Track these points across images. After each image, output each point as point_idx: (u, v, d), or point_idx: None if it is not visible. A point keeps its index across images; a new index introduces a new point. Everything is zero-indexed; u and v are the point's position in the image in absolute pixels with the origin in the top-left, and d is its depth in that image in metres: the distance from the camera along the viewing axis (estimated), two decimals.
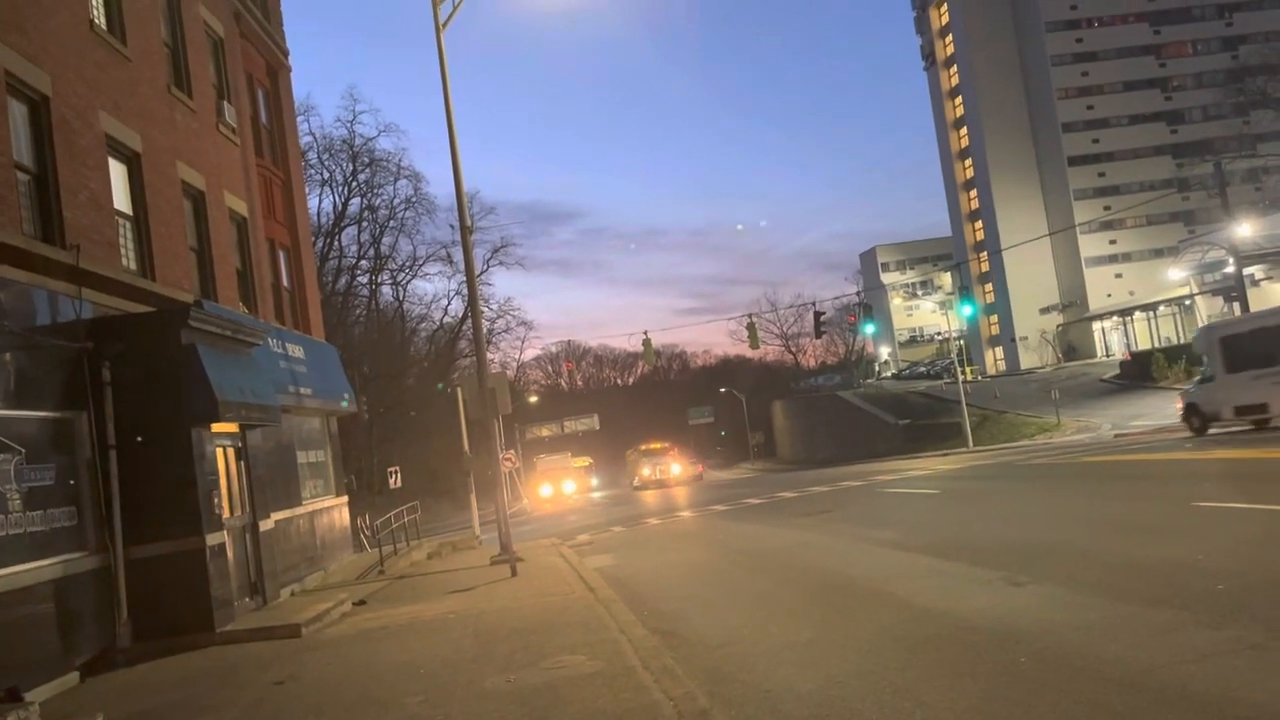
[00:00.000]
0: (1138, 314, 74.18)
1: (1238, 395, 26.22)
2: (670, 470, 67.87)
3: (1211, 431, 27.37)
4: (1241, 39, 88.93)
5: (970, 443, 47.93)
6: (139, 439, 11.97)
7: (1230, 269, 39.95)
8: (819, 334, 49.42)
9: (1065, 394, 51.91)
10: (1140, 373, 55.49)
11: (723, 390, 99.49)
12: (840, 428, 73.34)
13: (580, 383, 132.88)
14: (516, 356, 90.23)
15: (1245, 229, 42.08)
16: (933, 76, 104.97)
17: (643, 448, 74.59)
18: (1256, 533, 10.23)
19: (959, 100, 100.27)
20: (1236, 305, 37.80)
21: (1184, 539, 10.45)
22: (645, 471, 68.87)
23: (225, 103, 17.94)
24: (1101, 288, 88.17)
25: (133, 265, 13.66)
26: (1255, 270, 50.09)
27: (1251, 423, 26.32)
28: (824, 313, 47.83)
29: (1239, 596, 7.37)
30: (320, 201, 57.95)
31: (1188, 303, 62.03)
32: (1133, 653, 6.30)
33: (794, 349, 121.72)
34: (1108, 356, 76.50)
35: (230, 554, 13.42)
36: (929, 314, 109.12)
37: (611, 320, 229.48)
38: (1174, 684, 5.52)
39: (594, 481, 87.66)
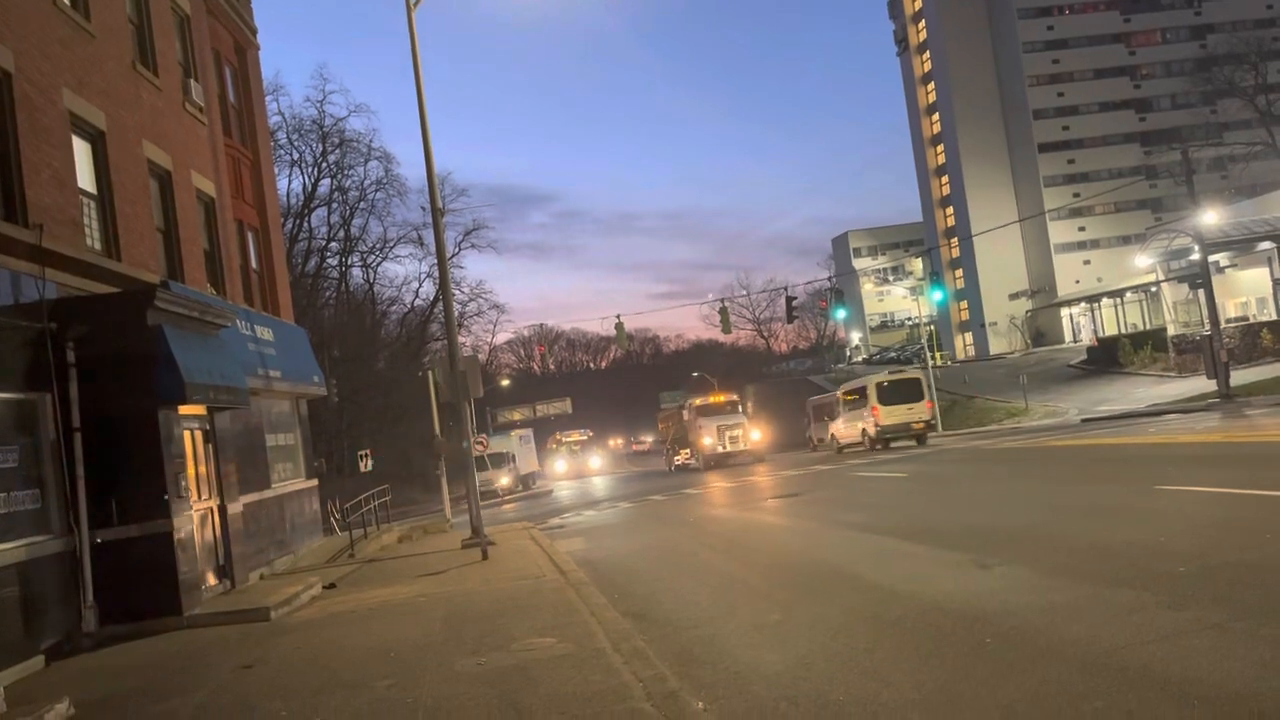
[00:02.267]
0: (1105, 300, 74.96)
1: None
2: (749, 436, 44.91)
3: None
4: (1210, 28, 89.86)
5: (939, 427, 48.32)
6: (105, 421, 11.83)
7: (1196, 256, 40.41)
8: (791, 319, 49.58)
9: (1033, 379, 52.50)
10: (1107, 358, 56.19)
11: (695, 374, 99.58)
12: None
13: (553, 366, 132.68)
14: (489, 340, 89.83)
15: (1211, 217, 42.50)
16: (905, 62, 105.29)
17: (697, 402, 48.89)
18: (1217, 515, 10.39)
19: (931, 86, 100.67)
20: (1201, 292, 38.26)
21: (1147, 522, 10.60)
22: (706, 440, 44.19)
23: (192, 81, 17.69)
24: (1070, 274, 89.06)
25: (97, 245, 13.47)
26: (1220, 258, 50.66)
27: None
28: (796, 297, 48.07)
29: (1200, 578, 7.49)
30: (289, 182, 57.47)
31: (1154, 289, 62.72)
32: (1096, 634, 6.39)
33: (766, 334, 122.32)
34: (1075, 342, 77.33)
35: (198, 537, 13.33)
36: (900, 299, 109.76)
37: (584, 304, 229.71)
38: (1136, 664, 5.61)
39: (594, 461, 74.18)
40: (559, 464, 65.00)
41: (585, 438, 78.32)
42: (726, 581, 11.14)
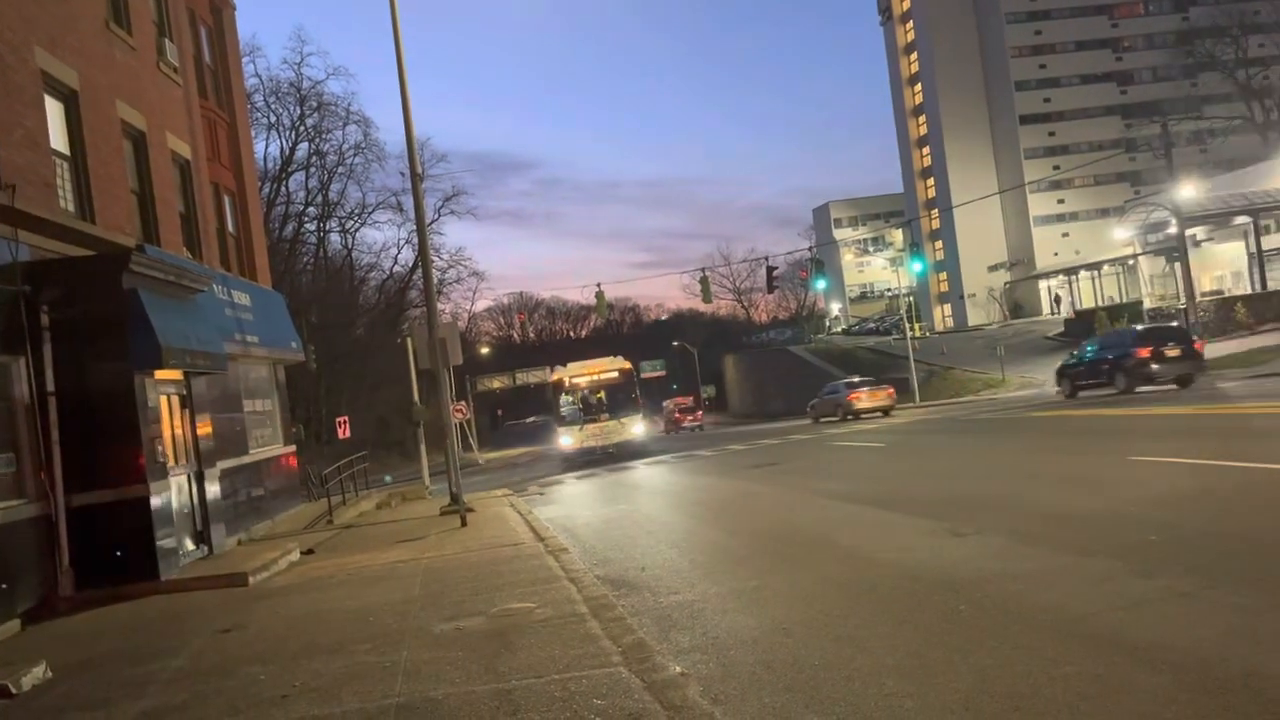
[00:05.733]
0: (1083, 273, 75.40)
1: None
2: None
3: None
4: (1192, 0, 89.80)
5: (917, 398, 48.65)
6: (80, 385, 11.74)
7: (1173, 230, 40.68)
8: (771, 289, 49.60)
9: (1010, 351, 52.76)
10: (1084, 331, 56.56)
11: (675, 344, 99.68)
12: (790, 382, 73.96)
13: (533, 335, 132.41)
14: (468, 307, 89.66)
15: (1189, 190, 42.82)
16: (889, 31, 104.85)
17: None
18: (1189, 486, 10.53)
19: (914, 56, 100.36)
20: (1178, 265, 38.55)
21: (1120, 491, 10.73)
22: None
23: (167, 40, 17.40)
24: (1049, 246, 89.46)
25: (71, 207, 13.29)
26: (1197, 231, 51.04)
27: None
28: (776, 268, 47.98)
29: (1171, 547, 7.60)
30: (267, 146, 56.83)
31: (1131, 263, 63.14)
32: (1068, 601, 6.48)
33: (746, 303, 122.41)
34: (1053, 314, 77.84)
35: (175, 502, 13.27)
36: (880, 270, 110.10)
37: (565, 272, 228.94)
38: (1106, 631, 5.69)
39: (637, 429, 34.94)
40: (564, 438, 34.70)
41: (618, 374, 35.92)
42: (705, 548, 11.21)
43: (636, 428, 33.61)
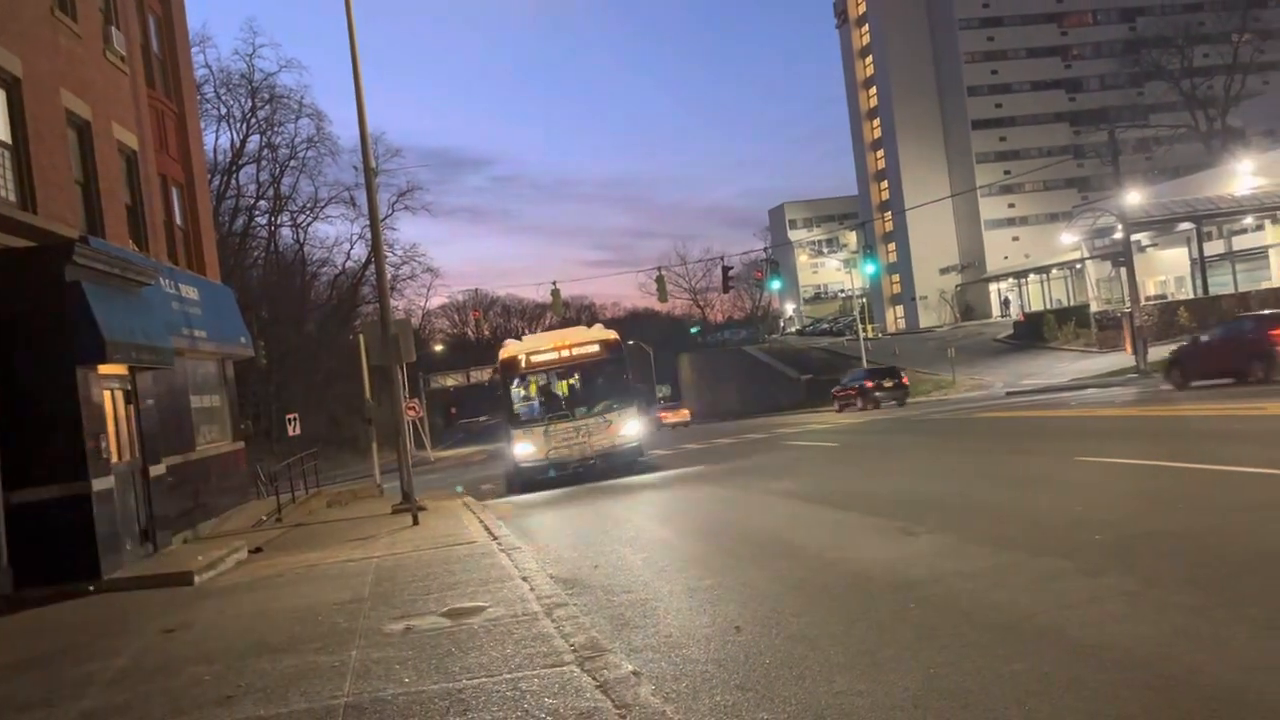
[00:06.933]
0: (1032, 276, 76.62)
1: None
2: None
3: None
4: (1140, 10, 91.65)
5: None
6: (21, 379, 11.45)
7: (1119, 235, 41.46)
8: (727, 289, 49.92)
9: (961, 353, 53.44)
10: (1032, 333, 57.55)
11: (631, 342, 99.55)
12: (745, 382, 74.38)
13: (487, 332, 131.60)
14: (422, 304, 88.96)
15: (1135, 197, 43.71)
16: (845, 35, 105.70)
17: None
18: (1133, 486, 10.73)
19: (869, 60, 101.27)
20: (1123, 270, 39.30)
21: (1067, 492, 10.90)
22: None
23: (113, 28, 17.03)
24: (999, 250, 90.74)
25: (12, 197, 12.95)
26: (1142, 237, 52.05)
27: None
28: (732, 267, 48.41)
29: (1115, 547, 7.73)
30: (217, 138, 56.01)
31: (1079, 266, 64.25)
32: (1016, 599, 6.56)
33: (702, 303, 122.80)
34: (1003, 317, 78.98)
35: (118, 499, 13.00)
36: (834, 271, 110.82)
37: (520, 270, 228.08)
38: (1052, 628, 5.77)
39: (629, 427, 22.86)
40: (519, 445, 22.59)
41: (599, 348, 23.22)
42: (659, 547, 11.21)
43: (630, 426, 23.04)
